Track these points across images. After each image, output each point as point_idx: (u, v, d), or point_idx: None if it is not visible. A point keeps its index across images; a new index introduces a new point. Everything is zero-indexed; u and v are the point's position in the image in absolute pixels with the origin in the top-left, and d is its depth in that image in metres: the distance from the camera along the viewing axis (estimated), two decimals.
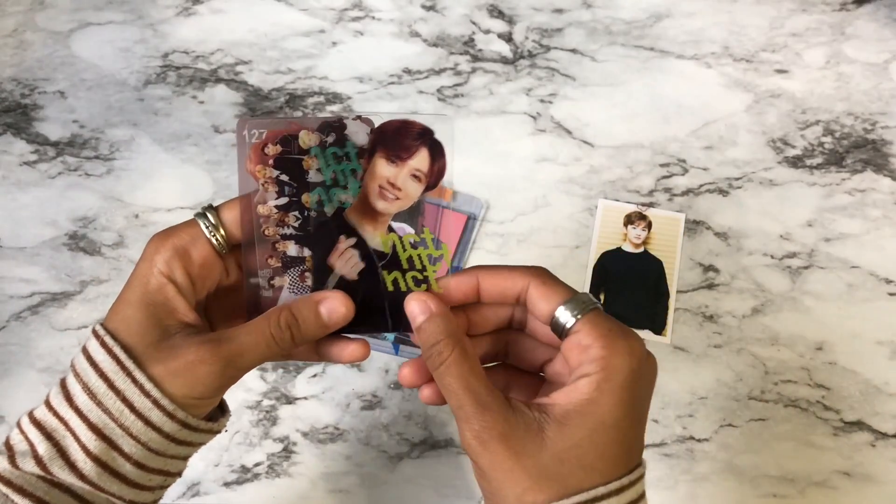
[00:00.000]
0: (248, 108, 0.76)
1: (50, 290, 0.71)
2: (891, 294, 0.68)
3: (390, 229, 0.40)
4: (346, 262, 0.40)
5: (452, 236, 0.70)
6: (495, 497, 0.35)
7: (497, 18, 0.79)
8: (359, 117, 0.38)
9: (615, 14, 0.78)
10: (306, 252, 0.39)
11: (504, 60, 0.77)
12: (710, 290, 0.69)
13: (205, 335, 0.37)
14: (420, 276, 0.40)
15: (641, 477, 0.36)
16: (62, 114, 0.77)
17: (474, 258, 0.71)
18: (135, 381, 0.36)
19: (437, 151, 0.40)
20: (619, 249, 0.70)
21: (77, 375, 0.37)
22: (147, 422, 0.36)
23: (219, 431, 0.41)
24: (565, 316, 0.36)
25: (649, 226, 0.70)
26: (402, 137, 0.39)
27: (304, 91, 0.76)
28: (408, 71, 0.77)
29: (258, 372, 0.68)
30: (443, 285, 0.39)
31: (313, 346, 0.42)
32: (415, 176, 0.40)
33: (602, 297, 0.69)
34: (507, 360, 0.42)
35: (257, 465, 0.65)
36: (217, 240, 0.39)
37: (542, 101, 0.75)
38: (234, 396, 0.67)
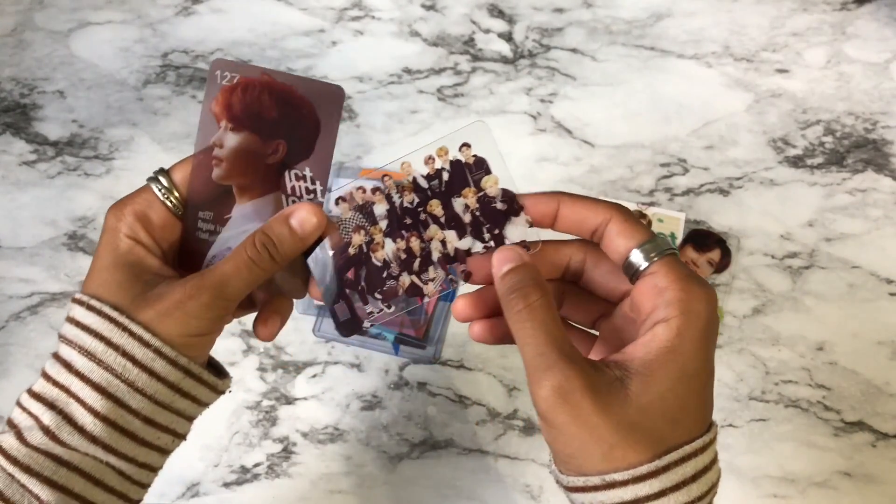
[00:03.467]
0: None
1: (49, 290, 0.71)
2: (891, 294, 0.68)
3: None
4: None
5: None
6: (575, 458, 0.32)
7: (497, 18, 0.78)
8: (522, 211, 0.38)
9: (615, 13, 0.78)
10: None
11: (504, 60, 0.77)
12: None
13: (187, 277, 0.38)
14: None
15: (715, 437, 0.34)
16: (61, 113, 0.76)
17: None
18: (132, 333, 0.36)
19: (725, 253, 0.69)
20: None
21: (70, 342, 0.37)
22: (151, 372, 0.36)
23: (223, 392, 0.41)
24: (643, 255, 0.34)
25: (649, 225, 0.70)
26: (705, 238, 0.66)
27: None
28: (408, 70, 0.77)
29: (258, 372, 0.68)
30: (519, 200, 0.38)
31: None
32: (710, 263, 0.66)
33: None
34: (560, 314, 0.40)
35: (257, 465, 0.65)
36: (171, 202, 0.39)
37: (542, 100, 0.75)
38: (234, 396, 0.67)
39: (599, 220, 0.36)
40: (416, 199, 0.39)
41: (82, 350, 0.36)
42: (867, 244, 0.69)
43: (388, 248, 0.39)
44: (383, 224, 0.39)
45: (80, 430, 0.35)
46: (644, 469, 0.31)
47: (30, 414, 0.36)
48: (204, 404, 0.40)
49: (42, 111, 0.77)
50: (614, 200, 0.37)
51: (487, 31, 0.78)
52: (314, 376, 0.68)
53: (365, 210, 0.39)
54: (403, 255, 0.39)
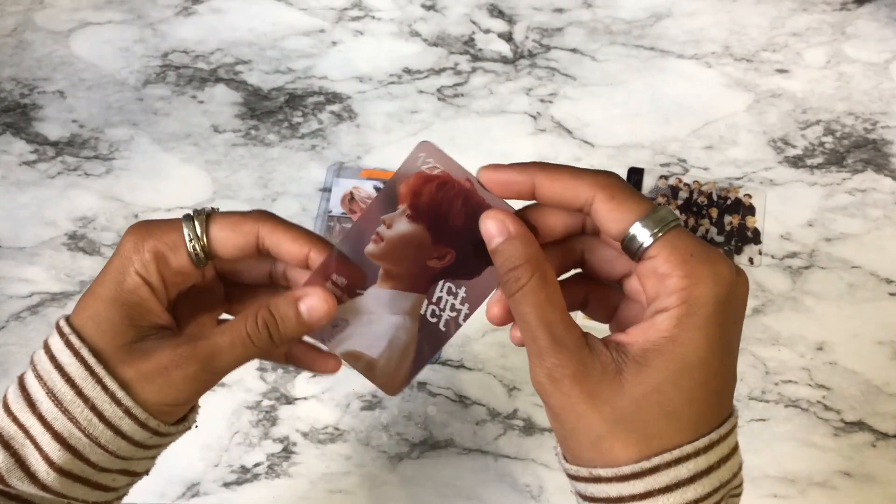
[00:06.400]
0: (248, 108, 0.76)
1: (49, 291, 0.71)
2: (891, 294, 0.68)
3: None
4: None
5: None
6: (570, 440, 0.32)
7: (497, 18, 0.78)
8: None
9: (615, 13, 0.78)
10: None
11: (504, 60, 0.77)
12: None
13: (179, 338, 0.36)
14: None
15: (733, 429, 0.33)
16: (61, 113, 0.76)
17: None
18: (105, 388, 0.34)
19: (725, 253, 0.73)
20: None
21: (40, 378, 0.34)
22: (117, 431, 0.34)
23: (188, 429, 0.39)
24: (641, 236, 0.31)
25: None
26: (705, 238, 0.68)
27: (304, 91, 0.76)
28: (408, 71, 0.77)
29: (258, 372, 0.68)
30: (485, 178, 0.36)
31: (283, 353, 0.41)
32: None
33: None
34: (584, 269, 0.37)
35: (257, 465, 0.65)
36: (197, 253, 0.36)
37: (542, 100, 0.75)
38: (234, 397, 0.67)
39: (582, 201, 0.33)
40: (706, 203, 0.68)
41: (50, 393, 0.33)
42: (867, 244, 0.69)
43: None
44: (679, 202, 0.70)
45: (32, 476, 0.33)
46: (627, 469, 0.30)
47: None
48: (168, 445, 0.39)
49: (42, 111, 0.77)
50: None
51: (487, 32, 0.78)
52: (314, 376, 0.68)
53: (673, 189, 0.70)
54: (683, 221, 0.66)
